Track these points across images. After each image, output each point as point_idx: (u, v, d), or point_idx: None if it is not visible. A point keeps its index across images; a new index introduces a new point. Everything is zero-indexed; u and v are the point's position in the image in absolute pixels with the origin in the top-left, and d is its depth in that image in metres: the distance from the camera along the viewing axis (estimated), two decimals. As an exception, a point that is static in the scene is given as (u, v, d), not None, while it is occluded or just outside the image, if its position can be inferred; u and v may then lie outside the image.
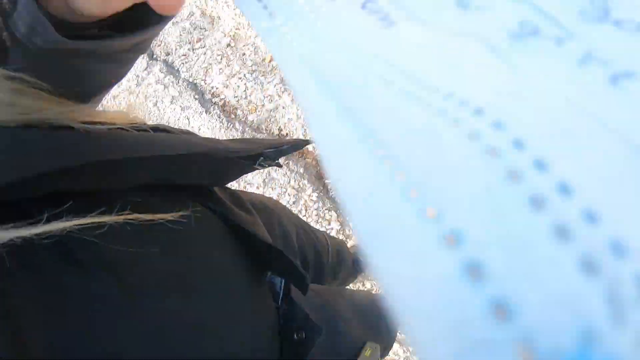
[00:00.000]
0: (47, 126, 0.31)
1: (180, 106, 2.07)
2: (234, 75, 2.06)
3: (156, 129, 0.42)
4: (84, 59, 0.31)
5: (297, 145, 0.60)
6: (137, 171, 0.35)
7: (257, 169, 0.53)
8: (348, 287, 1.42)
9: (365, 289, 1.63)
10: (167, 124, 0.47)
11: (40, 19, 0.26)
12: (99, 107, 0.42)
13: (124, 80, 1.87)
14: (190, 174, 0.43)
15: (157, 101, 2.11)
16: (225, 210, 0.46)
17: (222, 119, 1.99)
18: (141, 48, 0.35)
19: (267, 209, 0.67)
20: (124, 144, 0.35)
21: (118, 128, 0.36)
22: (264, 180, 1.85)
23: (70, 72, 0.32)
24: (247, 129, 1.95)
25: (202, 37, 2.21)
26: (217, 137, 1.95)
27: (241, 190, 0.63)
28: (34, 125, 0.30)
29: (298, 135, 1.88)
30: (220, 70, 2.09)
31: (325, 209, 1.75)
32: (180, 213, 0.36)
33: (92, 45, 0.30)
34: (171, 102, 2.10)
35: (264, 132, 1.94)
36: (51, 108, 0.31)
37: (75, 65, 0.31)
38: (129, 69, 0.38)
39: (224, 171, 0.49)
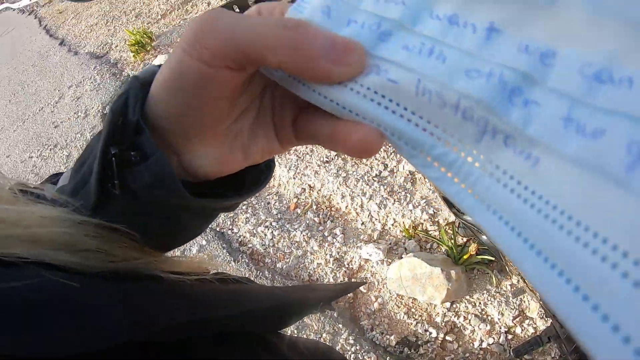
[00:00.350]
0: (142, 277, 0.32)
1: (208, 255, 2.14)
2: (261, 224, 2.18)
3: (236, 280, 0.45)
4: (189, 213, 0.31)
5: (351, 289, 0.63)
6: (226, 322, 0.37)
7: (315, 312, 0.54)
8: None
9: None
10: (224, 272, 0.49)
11: (171, 174, 0.27)
12: None
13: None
14: (262, 323, 0.44)
15: (184, 250, 2.18)
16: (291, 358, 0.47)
17: (251, 267, 2.06)
18: (235, 207, 0.37)
19: (319, 350, 0.67)
20: (224, 299, 0.38)
21: (202, 279, 0.38)
22: (297, 326, 1.87)
23: (169, 224, 0.32)
24: (276, 276, 2.01)
25: (226, 189, 2.37)
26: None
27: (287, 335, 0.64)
28: (122, 272, 0.30)
29: (328, 278, 1.96)
30: (247, 220, 2.21)
31: (364, 352, 1.76)
32: None
33: (207, 203, 0.30)
34: (198, 250, 2.17)
35: (294, 278, 2.00)
36: (139, 257, 0.32)
37: (176, 218, 0.31)
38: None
39: (292, 317, 0.51)
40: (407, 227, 1.95)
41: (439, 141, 0.21)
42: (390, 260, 1.90)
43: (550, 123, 0.18)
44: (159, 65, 0.27)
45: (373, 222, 2.02)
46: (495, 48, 0.20)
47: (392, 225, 2.00)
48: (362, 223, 2.03)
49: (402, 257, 1.87)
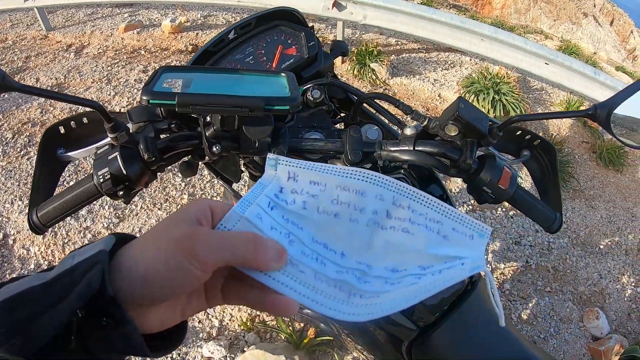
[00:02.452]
0: None
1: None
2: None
3: None
4: None
5: None
6: None
7: None
8: None
9: None
10: None
11: (141, 342, 0.33)
12: None
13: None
14: None
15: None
16: None
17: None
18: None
19: None
20: None
21: None
22: None
23: None
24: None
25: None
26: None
27: None
28: None
29: (171, 386, 1.85)
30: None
31: None
32: None
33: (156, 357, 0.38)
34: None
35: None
36: None
37: None
38: None
39: None
40: (244, 320, 1.92)
41: (329, 299, 0.38)
42: (233, 356, 1.84)
43: (379, 285, 0.40)
44: (116, 236, 0.37)
45: (210, 319, 1.96)
46: (346, 262, 0.41)
47: (230, 320, 1.95)
48: (199, 321, 1.96)
49: (244, 351, 1.82)
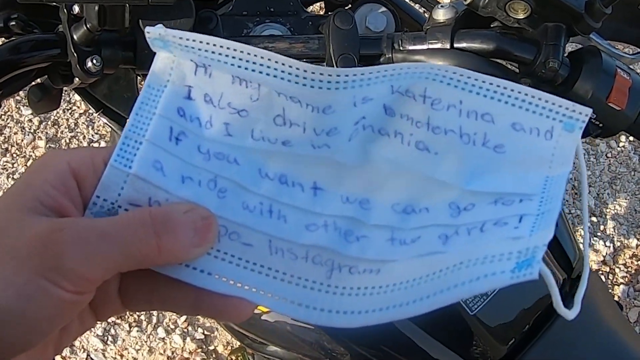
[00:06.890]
0: None
1: None
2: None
3: None
4: None
5: None
6: None
7: None
8: None
9: None
10: None
11: None
12: None
13: None
14: None
15: None
16: None
17: None
18: None
19: None
20: None
21: None
22: None
23: None
24: None
25: None
26: None
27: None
28: None
29: None
30: None
31: None
32: None
33: None
34: None
35: None
36: None
37: None
38: None
39: None
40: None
41: (297, 287, 0.24)
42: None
43: (380, 245, 0.25)
44: None
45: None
46: (323, 203, 0.25)
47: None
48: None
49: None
